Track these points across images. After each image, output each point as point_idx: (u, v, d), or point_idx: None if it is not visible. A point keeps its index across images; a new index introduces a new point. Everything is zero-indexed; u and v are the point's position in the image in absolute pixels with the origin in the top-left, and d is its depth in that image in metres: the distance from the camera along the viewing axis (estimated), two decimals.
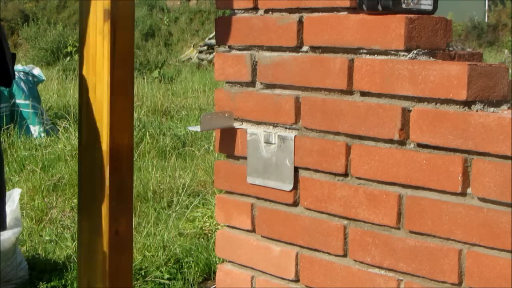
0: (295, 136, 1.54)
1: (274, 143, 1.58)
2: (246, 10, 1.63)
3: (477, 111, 1.28)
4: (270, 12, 1.59)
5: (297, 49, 1.54)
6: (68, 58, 13.82)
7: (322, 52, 1.50)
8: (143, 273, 3.63)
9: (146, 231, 4.14)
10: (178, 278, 3.61)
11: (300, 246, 1.57)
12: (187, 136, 6.77)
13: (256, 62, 1.61)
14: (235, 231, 1.71)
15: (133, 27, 1.86)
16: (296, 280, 1.59)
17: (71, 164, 5.87)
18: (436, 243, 1.34)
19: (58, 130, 6.86)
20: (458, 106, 1.30)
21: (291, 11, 1.54)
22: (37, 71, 7.61)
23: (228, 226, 1.74)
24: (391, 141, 1.39)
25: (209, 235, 4.06)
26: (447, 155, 1.31)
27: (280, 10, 1.57)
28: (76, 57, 14.24)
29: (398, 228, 1.40)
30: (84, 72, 1.85)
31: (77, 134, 6.92)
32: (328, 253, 1.52)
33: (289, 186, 1.56)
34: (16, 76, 7.83)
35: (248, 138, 1.63)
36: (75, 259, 3.80)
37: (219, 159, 1.75)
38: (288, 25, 1.54)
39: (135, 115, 7.18)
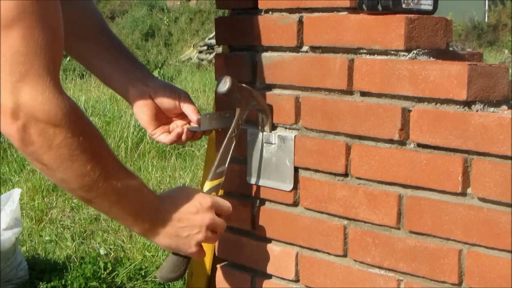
0: (295, 136, 1.54)
1: (274, 143, 1.58)
2: (246, 10, 1.63)
3: (477, 111, 1.28)
4: (270, 12, 1.59)
5: (297, 49, 1.54)
6: (68, 58, 13.79)
7: (322, 52, 1.50)
8: (143, 273, 3.64)
9: None
10: None
11: (300, 246, 1.57)
12: None
13: (256, 62, 1.61)
14: (235, 231, 1.71)
15: None
16: (296, 280, 1.59)
17: None
18: (436, 243, 1.34)
19: None
20: (458, 106, 1.29)
21: (291, 11, 1.54)
22: None
23: (228, 226, 1.74)
24: (391, 141, 1.39)
25: None
26: (447, 155, 1.31)
27: (280, 10, 1.57)
28: None
29: (398, 228, 1.40)
30: None
31: None
32: (328, 253, 1.52)
33: (289, 186, 1.56)
34: None
35: (248, 138, 1.63)
36: (75, 259, 3.80)
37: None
38: (288, 25, 1.54)
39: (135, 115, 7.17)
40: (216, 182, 1.51)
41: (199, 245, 1.45)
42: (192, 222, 1.42)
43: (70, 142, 1.19)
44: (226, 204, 1.49)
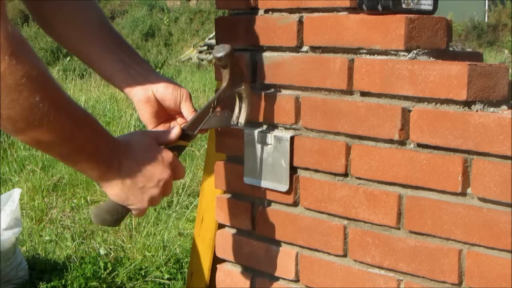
0: (290, 137, 1.54)
1: (270, 144, 1.58)
2: (246, 10, 1.63)
3: (477, 111, 1.28)
4: (270, 12, 1.59)
5: (297, 49, 1.54)
6: (68, 58, 13.80)
7: (322, 52, 1.50)
8: (143, 273, 3.63)
9: (146, 231, 4.14)
10: (178, 278, 3.61)
11: (300, 246, 1.57)
12: None
13: (256, 62, 1.61)
14: (235, 231, 1.71)
15: None
16: (296, 280, 1.59)
17: None
18: (436, 243, 1.34)
19: None
20: (458, 106, 1.30)
21: (291, 11, 1.54)
22: None
23: (228, 226, 1.74)
24: (391, 141, 1.39)
25: None
26: (447, 155, 1.31)
27: (280, 10, 1.57)
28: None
29: (398, 228, 1.40)
30: None
31: None
32: (328, 253, 1.52)
33: (285, 187, 1.56)
34: None
35: (245, 139, 1.63)
36: (75, 259, 3.80)
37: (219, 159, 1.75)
38: (288, 25, 1.54)
39: (134, 115, 7.19)
40: (180, 142, 1.43)
41: (150, 201, 1.35)
42: (151, 173, 1.33)
43: (15, 70, 1.11)
44: (182, 168, 1.41)
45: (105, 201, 1.38)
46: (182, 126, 1.44)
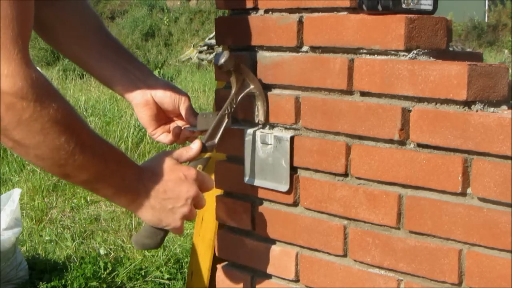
0: (290, 137, 1.54)
1: (270, 144, 1.58)
2: (246, 10, 1.63)
3: (477, 111, 1.28)
4: (270, 12, 1.59)
5: (297, 49, 1.54)
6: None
7: (322, 52, 1.50)
8: (143, 273, 3.64)
9: None
10: (178, 278, 3.61)
11: (300, 246, 1.57)
12: None
13: (256, 62, 1.61)
14: (235, 231, 1.71)
15: None
16: (296, 280, 1.59)
17: None
18: (436, 243, 1.34)
19: None
20: (458, 106, 1.29)
21: (291, 11, 1.54)
22: None
23: (228, 226, 1.74)
24: (391, 141, 1.39)
25: None
26: (447, 155, 1.31)
27: (280, 10, 1.57)
28: None
29: (398, 228, 1.40)
30: None
31: None
32: (328, 253, 1.52)
33: (285, 187, 1.56)
34: None
35: (245, 139, 1.63)
36: (75, 259, 3.80)
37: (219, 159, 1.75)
38: (288, 25, 1.54)
39: (135, 115, 7.19)
40: (203, 154, 1.48)
41: (183, 219, 1.40)
42: (177, 193, 1.38)
43: (40, 115, 1.15)
44: (210, 180, 1.45)
45: (142, 227, 1.43)
46: (201, 139, 1.48)
